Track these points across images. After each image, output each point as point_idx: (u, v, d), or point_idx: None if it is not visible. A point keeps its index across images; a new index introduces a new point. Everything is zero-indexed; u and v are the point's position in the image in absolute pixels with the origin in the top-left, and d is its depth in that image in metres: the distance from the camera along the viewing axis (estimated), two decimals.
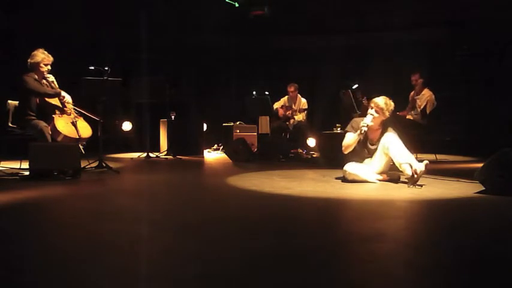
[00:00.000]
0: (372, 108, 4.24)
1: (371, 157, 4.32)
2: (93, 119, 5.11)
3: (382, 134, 4.25)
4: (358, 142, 4.28)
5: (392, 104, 4.27)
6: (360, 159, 4.35)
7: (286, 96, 7.88)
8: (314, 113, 8.28)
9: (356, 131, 4.24)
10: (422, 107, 6.65)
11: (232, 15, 9.05)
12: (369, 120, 4.19)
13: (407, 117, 6.81)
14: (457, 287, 1.66)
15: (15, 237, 2.33)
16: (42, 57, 4.79)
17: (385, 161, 4.21)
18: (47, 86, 4.87)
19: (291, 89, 7.76)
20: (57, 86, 4.96)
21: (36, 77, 4.82)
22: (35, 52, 4.81)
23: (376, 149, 4.27)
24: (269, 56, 10.25)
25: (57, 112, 4.76)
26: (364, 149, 4.34)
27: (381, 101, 4.22)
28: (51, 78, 4.92)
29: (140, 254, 2.03)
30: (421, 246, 2.24)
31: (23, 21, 7.92)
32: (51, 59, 4.86)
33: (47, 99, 4.75)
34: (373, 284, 1.67)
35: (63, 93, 4.87)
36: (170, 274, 1.75)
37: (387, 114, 4.22)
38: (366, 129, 4.15)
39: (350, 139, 4.28)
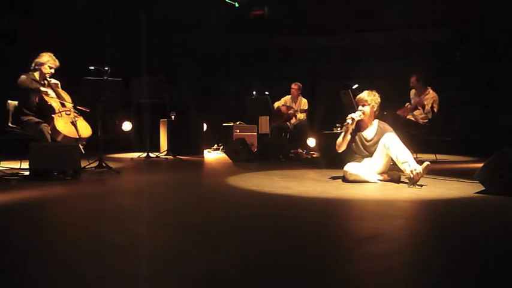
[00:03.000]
0: (359, 105, 4.36)
1: (370, 156, 4.32)
2: (92, 118, 5.10)
3: (379, 131, 4.28)
4: (355, 141, 4.33)
5: (377, 94, 4.38)
6: (359, 159, 4.36)
7: (288, 96, 7.89)
8: (314, 113, 8.29)
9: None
10: (429, 106, 6.65)
11: (232, 15, 9.06)
12: (356, 115, 4.27)
13: (408, 117, 6.81)
14: (456, 287, 1.66)
15: (15, 237, 2.33)
16: (48, 59, 4.85)
17: (386, 161, 4.22)
18: (47, 86, 4.87)
19: (295, 87, 7.78)
20: (60, 89, 4.97)
21: (37, 77, 4.83)
22: (43, 53, 4.89)
23: (373, 145, 4.29)
24: (269, 56, 10.25)
25: (56, 112, 4.76)
26: (361, 146, 4.36)
27: (364, 94, 4.37)
28: (52, 81, 4.93)
29: (140, 254, 2.03)
30: (421, 246, 2.24)
31: (23, 21, 7.92)
32: (57, 63, 4.92)
33: (45, 98, 4.76)
34: (372, 284, 1.67)
35: (43, 89, 4.83)
36: (170, 274, 1.75)
37: (374, 104, 4.33)
38: (350, 121, 4.24)
39: (340, 136, 4.39)
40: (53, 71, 4.89)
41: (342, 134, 4.38)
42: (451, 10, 8.68)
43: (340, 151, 4.40)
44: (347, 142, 4.34)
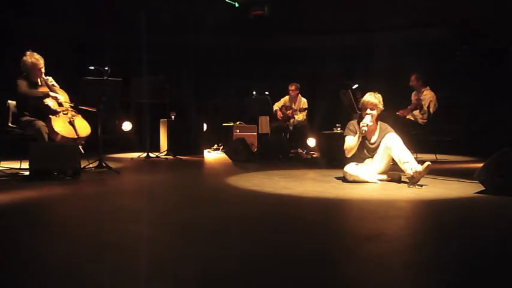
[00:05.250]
0: (366, 109, 4.28)
1: (371, 157, 4.32)
2: (91, 116, 5.09)
3: (381, 132, 4.28)
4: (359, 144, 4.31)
5: (379, 95, 4.35)
6: (361, 160, 4.36)
7: (287, 96, 7.89)
8: (314, 113, 8.29)
9: (354, 134, 4.28)
10: (426, 107, 6.66)
11: (232, 15, 9.05)
12: (368, 120, 4.21)
13: (408, 117, 6.81)
14: (456, 286, 1.66)
15: (15, 237, 2.33)
16: (32, 62, 4.77)
17: (387, 161, 4.22)
18: (43, 86, 4.85)
19: (292, 87, 7.77)
20: (57, 86, 4.95)
21: (33, 79, 4.81)
22: (24, 58, 4.78)
23: (375, 148, 4.28)
24: (269, 56, 10.25)
25: (53, 112, 4.73)
26: (364, 150, 4.34)
27: (370, 98, 4.30)
28: (50, 80, 4.92)
29: (140, 254, 2.03)
30: (421, 246, 2.24)
31: (23, 21, 7.92)
32: (41, 61, 4.82)
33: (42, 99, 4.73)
34: (372, 284, 1.67)
35: (52, 94, 4.79)
36: (170, 274, 1.75)
37: (381, 106, 4.31)
38: (366, 129, 4.17)
39: (351, 141, 4.29)
40: (43, 69, 4.84)
41: (351, 138, 4.29)
42: (451, 10, 8.68)
43: (349, 156, 4.34)
44: (356, 147, 4.29)
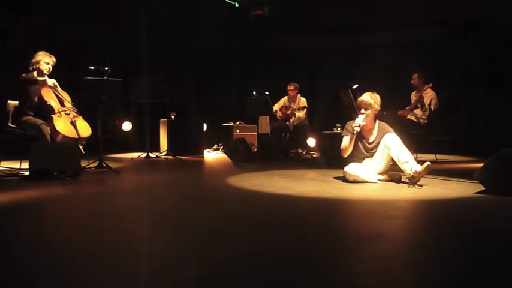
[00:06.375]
0: (361, 108, 4.30)
1: (371, 157, 4.33)
2: (92, 118, 5.09)
3: (379, 132, 4.28)
4: (355, 143, 4.31)
5: (377, 96, 4.36)
6: (360, 160, 4.36)
7: (286, 97, 7.89)
8: (314, 113, 8.29)
9: (350, 134, 4.31)
10: (427, 105, 6.69)
11: (232, 15, 9.05)
12: (360, 120, 4.24)
13: (408, 117, 6.82)
14: (456, 286, 1.66)
15: (15, 237, 2.33)
16: (43, 56, 4.87)
17: (387, 161, 4.23)
18: (46, 86, 4.85)
19: (291, 87, 7.77)
20: (60, 89, 4.96)
21: (36, 75, 4.83)
22: (37, 53, 4.91)
23: (374, 147, 4.29)
24: (269, 56, 10.25)
25: (55, 112, 4.75)
26: (362, 149, 4.35)
27: (366, 97, 4.31)
28: (53, 82, 4.93)
29: (140, 254, 2.03)
30: (421, 246, 2.24)
31: (23, 22, 7.91)
32: (53, 59, 4.93)
33: (45, 98, 4.73)
34: (372, 284, 1.67)
35: (40, 78, 4.78)
36: (170, 274, 1.75)
37: (377, 107, 4.31)
38: (358, 129, 4.20)
39: (346, 141, 4.34)
40: (50, 66, 4.88)
41: (347, 138, 4.33)
42: (452, 10, 8.68)
43: (345, 156, 4.38)
44: (352, 147, 4.32)
